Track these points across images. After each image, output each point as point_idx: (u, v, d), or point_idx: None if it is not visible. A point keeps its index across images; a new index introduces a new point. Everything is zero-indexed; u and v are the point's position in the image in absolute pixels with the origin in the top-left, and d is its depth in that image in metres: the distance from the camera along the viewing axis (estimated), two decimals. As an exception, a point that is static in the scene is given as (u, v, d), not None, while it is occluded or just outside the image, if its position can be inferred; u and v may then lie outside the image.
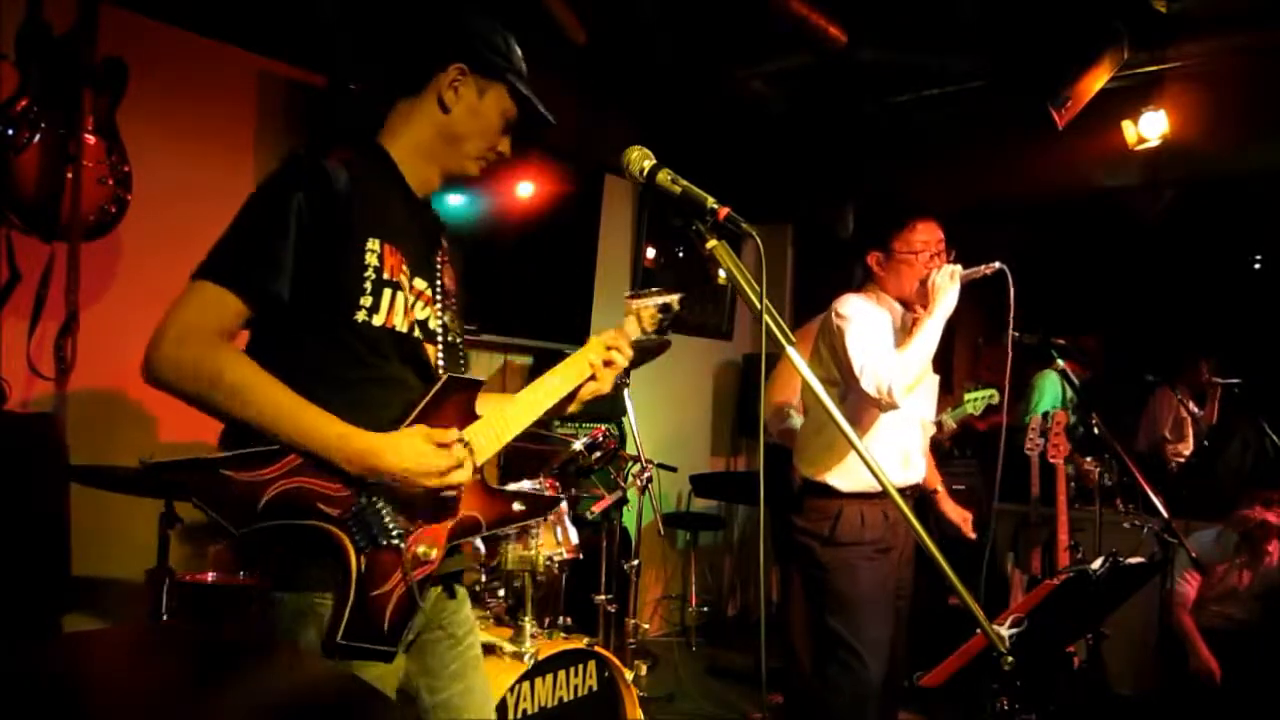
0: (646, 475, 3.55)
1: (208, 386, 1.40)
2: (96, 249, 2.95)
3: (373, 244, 1.52)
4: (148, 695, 1.19)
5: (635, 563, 3.91)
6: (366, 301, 1.50)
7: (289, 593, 1.48)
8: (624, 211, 5.36)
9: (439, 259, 1.70)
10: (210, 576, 2.96)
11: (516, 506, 1.71)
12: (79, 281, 2.85)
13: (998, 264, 2.56)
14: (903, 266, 2.70)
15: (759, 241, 1.50)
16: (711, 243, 1.61)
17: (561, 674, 2.83)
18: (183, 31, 3.32)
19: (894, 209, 2.80)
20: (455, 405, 1.60)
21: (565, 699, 2.84)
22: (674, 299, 1.96)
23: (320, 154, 1.55)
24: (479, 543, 2.94)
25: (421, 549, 1.52)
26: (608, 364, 1.83)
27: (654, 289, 1.98)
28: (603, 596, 3.63)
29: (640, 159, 1.67)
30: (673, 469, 4.41)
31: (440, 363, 1.65)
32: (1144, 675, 4.17)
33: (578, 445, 3.15)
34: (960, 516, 3.07)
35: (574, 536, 3.01)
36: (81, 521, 2.88)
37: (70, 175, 2.76)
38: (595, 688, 2.93)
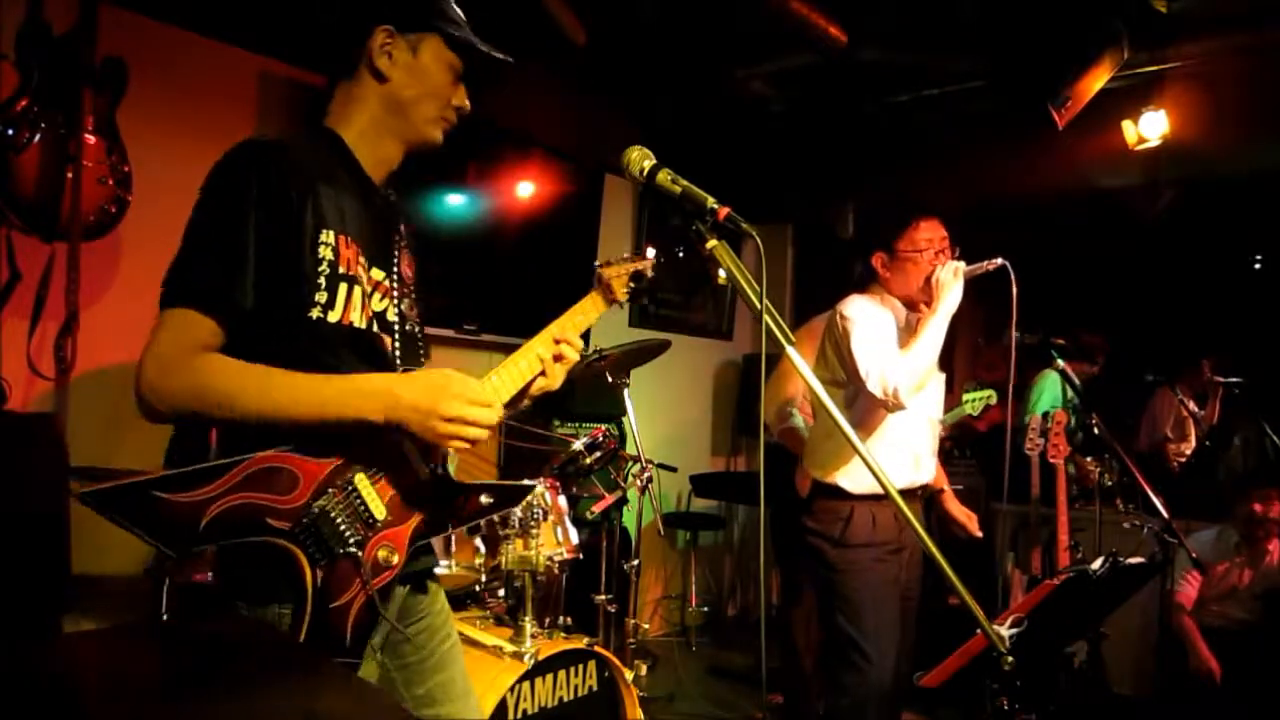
0: (646, 475, 3.55)
1: (201, 405, 1.35)
2: (96, 249, 2.95)
3: (327, 236, 1.43)
4: (148, 695, 1.19)
5: (635, 563, 3.91)
6: (321, 298, 1.42)
7: (249, 605, 1.42)
8: (624, 211, 5.36)
9: (396, 245, 1.62)
10: (210, 576, 2.96)
11: (484, 499, 1.61)
12: (79, 281, 2.85)
13: (1000, 260, 2.56)
14: (907, 265, 2.69)
15: (759, 241, 1.50)
16: (711, 243, 1.61)
17: (561, 674, 2.83)
18: (183, 31, 3.32)
19: (896, 208, 2.79)
20: None
21: (565, 699, 2.84)
22: (646, 264, 1.91)
23: (259, 146, 1.47)
24: (479, 543, 2.94)
25: (382, 554, 1.46)
26: (557, 359, 1.71)
27: (625, 255, 1.94)
28: (603, 596, 3.63)
29: (640, 159, 1.67)
30: (673, 469, 4.41)
31: (397, 353, 1.58)
32: (1144, 675, 4.17)
33: (578, 445, 3.15)
34: (965, 516, 3.07)
35: (574, 536, 3.01)
36: (81, 521, 2.88)
37: (70, 175, 2.76)
38: (595, 688, 2.93)
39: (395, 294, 1.59)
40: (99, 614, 3.08)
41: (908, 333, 2.70)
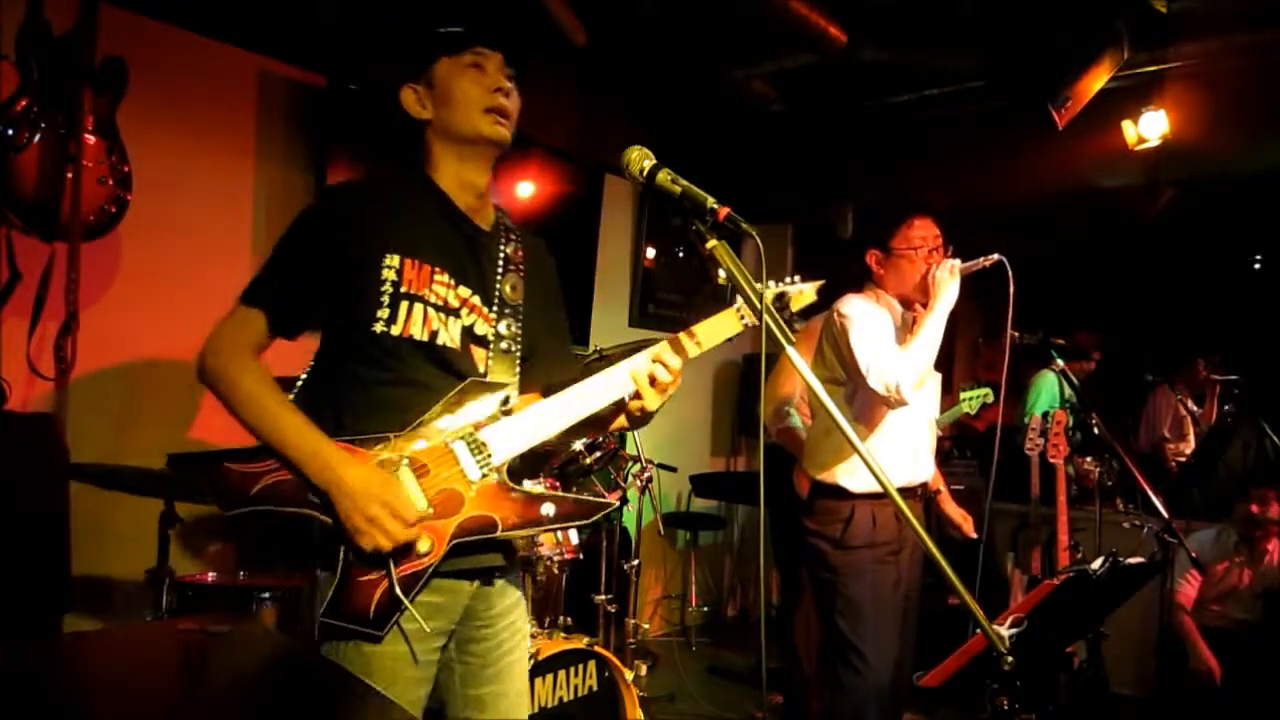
0: (646, 475, 3.55)
1: (222, 385, 1.59)
2: (96, 249, 2.95)
3: (391, 259, 1.60)
4: (148, 695, 1.19)
5: (635, 563, 3.91)
6: (384, 314, 1.59)
7: (324, 571, 1.58)
8: (624, 211, 5.36)
9: (498, 268, 1.74)
10: (210, 576, 2.96)
11: (545, 510, 1.65)
12: (79, 281, 2.85)
13: (996, 256, 2.57)
14: (902, 263, 2.70)
15: (759, 241, 1.50)
16: (711, 243, 1.61)
17: (561, 674, 2.83)
18: (183, 31, 3.32)
19: (890, 207, 2.79)
20: (477, 406, 1.64)
21: (565, 699, 2.84)
22: (800, 289, 1.80)
23: (340, 185, 1.77)
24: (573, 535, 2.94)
25: (418, 544, 1.54)
26: (653, 381, 1.68)
27: (787, 279, 1.82)
28: (603, 596, 3.63)
29: (640, 159, 1.67)
30: (673, 469, 4.42)
31: (488, 366, 1.69)
32: (1144, 675, 4.18)
33: (578, 445, 3.15)
34: (961, 516, 3.07)
35: (574, 536, 3.01)
36: (81, 521, 2.88)
37: (70, 175, 2.76)
38: (595, 688, 2.93)
39: (491, 312, 1.71)
40: (99, 614, 3.09)
41: (904, 331, 2.70)
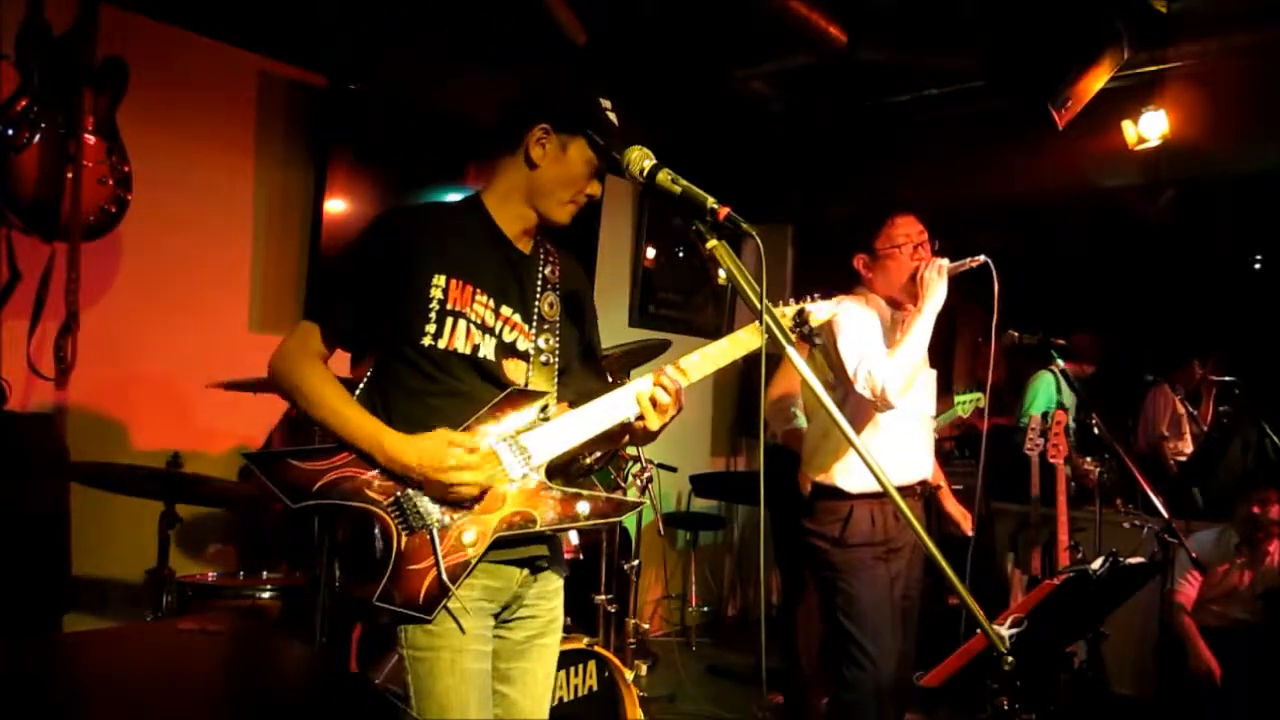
0: (646, 475, 3.55)
1: (293, 392, 1.76)
2: (96, 249, 2.96)
3: (438, 279, 1.75)
4: (148, 695, 1.19)
5: (635, 563, 3.91)
6: (430, 328, 1.74)
7: (378, 560, 1.69)
8: (624, 211, 5.36)
9: (538, 288, 1.90)
10: (210, 576, 2.96)
11: (580, 508, 1.79)
12: (79, 281, 2.85)
13: (983, 257, 2.58)
14: (888, 263, 2.72)
15: (759, 241, 1.50)
16: (711, 243, 1.61)
17: (561, 674, 2.83)
18: (183, 31, 3.33)
19: (871, 209, 2.81)
20: (518, 413, 1.79)
21: (565, 699, 2.84)
22: (815, 309, 1.96)
23: (396, 209, 1.89)
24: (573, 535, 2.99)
25: (464, 536, 1.68)
26: (654, 403, 1.80)
27: (807, 296, 1.98)
28: (603, 596, 3.63)
29: (640, 159, 1.68)
30: (673, 469, 4.41)
31: (529, 378, 1.85)
32: (1144, 675, 4.18)
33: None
34: (961, 514, 3.08)
35: (574, 536, 3.01)
36: (81, 521, 2.89)
37: (70, 175, 2.76)
38: (595, 688, 2.93)
39: (532, 329, 1.86)
40: (99, 614, 3.09)
41: (893, 331, 2.72)
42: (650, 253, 5.51)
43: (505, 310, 1.83)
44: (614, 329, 5.17)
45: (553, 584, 1.92)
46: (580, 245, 4.88)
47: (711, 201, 1.59)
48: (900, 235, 2.71)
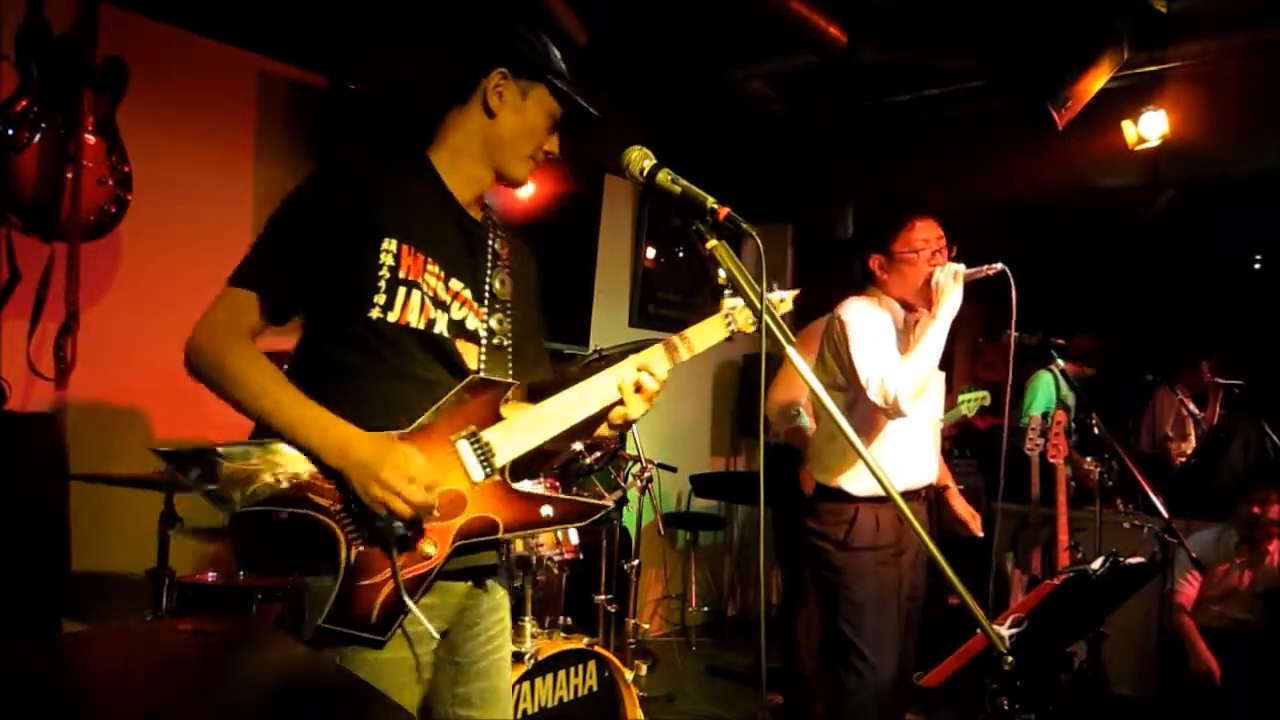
0: (646, 475, 3.55)
1: (219, 375, 1.52)
2: (96, 249, 2.95)
3: (389, 244, 1.56)
4: (148, 695, 1.19)
5: (635, 563, 3.91)
6: (380, 299, 1.55)
7: (301, 572, 1.55)
8: (624, 211, 5.36)
9: (488, 262, 1.73)
10: (210, 576, 2.96)
11: (545, 511, 1.65)
12: (79, 281, 2.85)
13: (1000, 265, 2.54)
14: (905, 267, 2.66)
15: (759, 241, 1.50)
16: (711, 243, 1.61)
17: (561, 674, 2.83)
18: (183, 31, 3.32)
19: (892, 209, 2.77)
20: (479, 405, 1.61)
21: (565, 699, 2.84)
22: (783, 297, 1.85)
23: (339, 160, 1.65)
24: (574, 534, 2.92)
25: (423, 545, 1.52)
26: (638, 389, 1.68)
27: (771, 287, 1.82)
28: (603, 596, 3.63)
29: (640, 159, 1.67)
30: (673, 469, 4.41)
31: (481, 363, 1.68)
32: (1144, 675, 4.17)
33: (577, 445, 3.15)
34: (968, 514, 3.07)
35: (574, 536, 3.01)
36: (81, 521, 2.89)
37: (70, 175, 2.76)
38: (595, 688, 2.93)
39: (484, 307, 1.69)
40: (99, 614, 3.09)
41: (906, 334, 2.69)
42: (650, 253, 5.51)
43: (455, 284, 1.65)
44: (614, 329, 5.17)
45: (497, 595, 1.76)
46: (580, 245, 4.91)
47: (711, 201, 1.58)
48: (919, 240, 2.65)
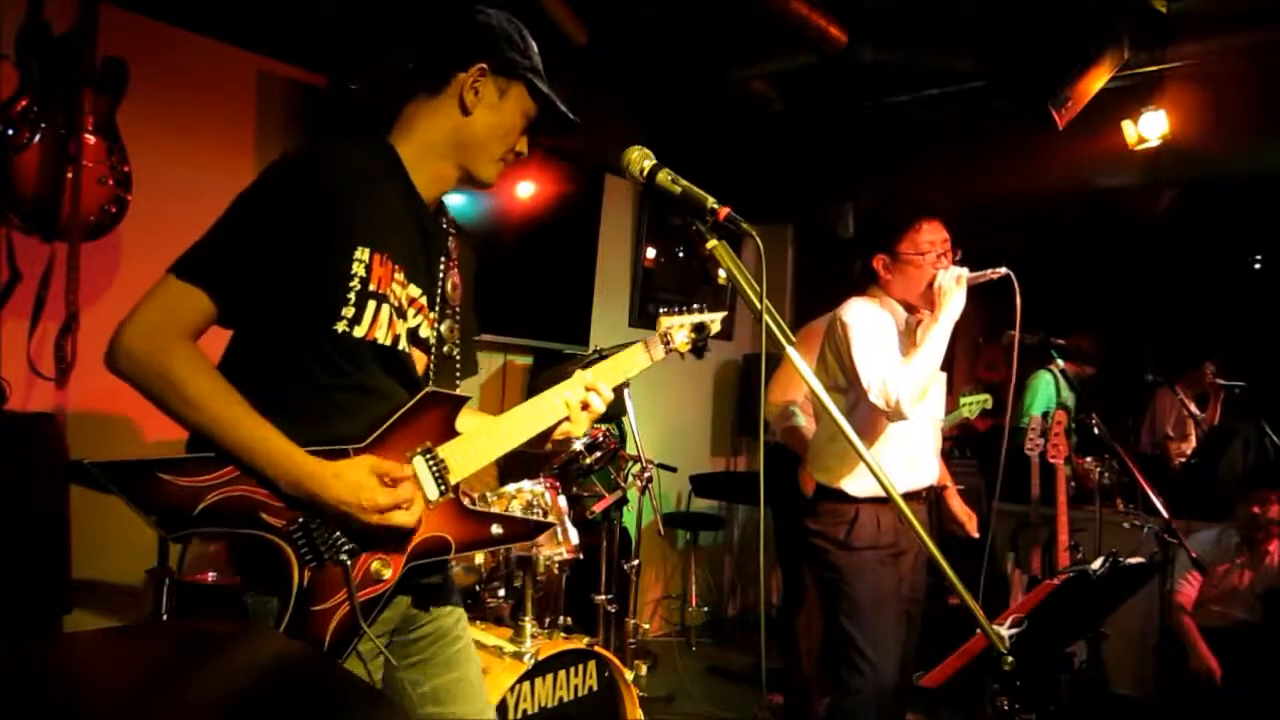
0: (646, 475, 3.55)
1: (158, 381, 1.38)
2: (96, 249, 2.95)
3: (361, 253, 1.47)
4: (148, 695, 1.19)
5: (635, 563, 3.91)
6: (348, 312, 1.46)
7: (254, 595, 1.47)
8: (624, 211, 5.36)
9: (441, 265, 1.65)
10: (210, 576, 2.96)
11: (494, 530, 1.63)
12: (79, 281, 2.85)
13: (1004, 269, 2.53)
14: (909, 269, 2.65)
15: (759, 241, 1.50)
16: (711, 243, 1.61)
17: (561, 674, 2.83)
18: (183, 31, 3.32)
19: (897, 209, 2.76)
20: (433, 420, 1.56)
21: (565, 699, 2.84)
22: (713, 319, 1.91)
23: (313, 153, 1.51)
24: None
25: (375, 566, 1.47)
26: (584, 407, 1.70)
27: (694, 306, 1.92)
28: (603, 596, 3.63)
29: (640, 159, 1.67)
30: (673, 469, 4.41)
31: (431, 372, 1.62)
32: (1144, 675, 4.18)
33: (578, 445, 3.15)
34: (965, 514, 3.07)
35: (574, 536, 3.01)
36: (81, 521, 2.88)
37: (70, 175, 2.76)
38: (595, 688, 2.93)
39: (434, 313, 1.62)
40: (99, 614, 3.08)
41: (908, 335, 2.69)
42: (650, 253, 5.51)
43: (414, 290, 1.57)
44: (614, 329, 5.17)
45: (445, 608, 1.72)
46: (580, 245, 4.91)
47: (711, 201, 1.58)
48: (925, 242, 2.63)
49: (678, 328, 1.87)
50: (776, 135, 5.25)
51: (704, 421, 6.14)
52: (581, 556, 3.02)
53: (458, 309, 1.68)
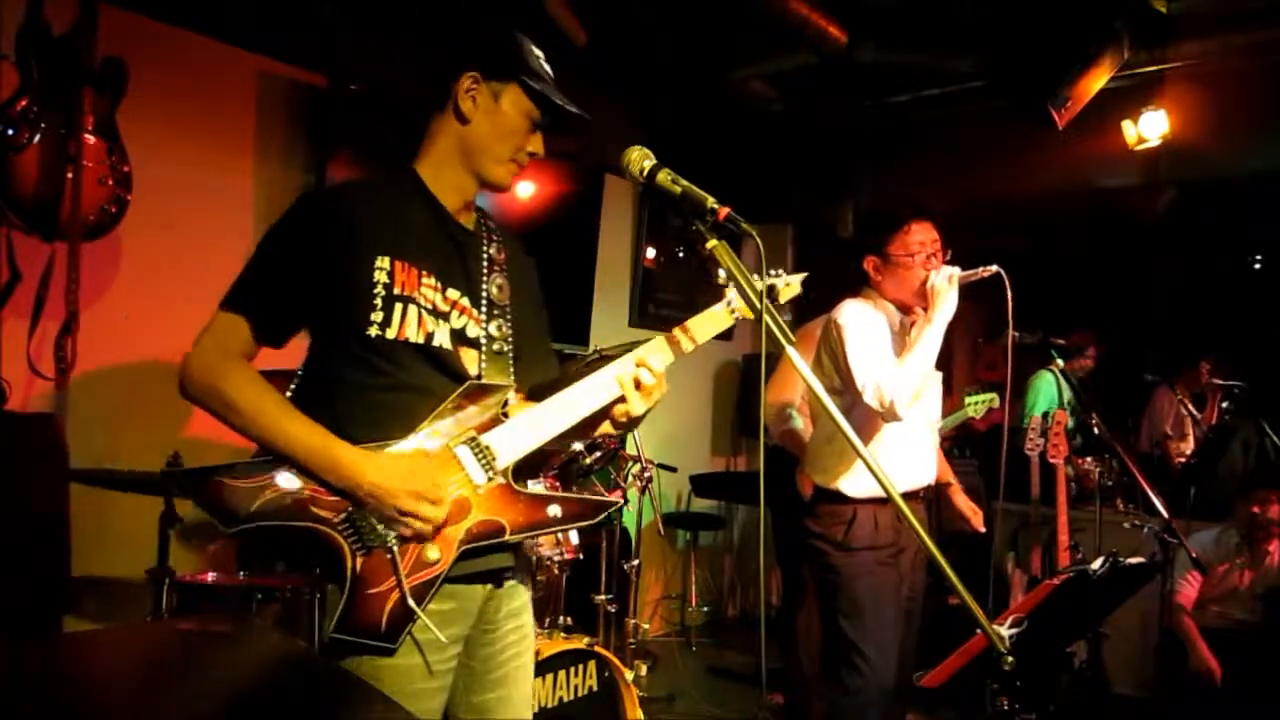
0: (646, 475, 3.55)
1: (215, 401, 1.55)
2: (96, 249, 2.95)
3: (382, 262, 1.58)
4: (148, 695, 1.19)
5: (635, 563, 3.91)
6: (377, 317, 1.57)
7: (312, 582, 1.62)
8: (624, 211, 5.36)
9: (484, 268, 1.73)
10: (210, 576, 2.95)
11: (552, 511, 1.65)
12: (79, 281, 2.85)
13: (995, 267, 2.53)
14: (900, 270, 2.65)
15: (759, 241, 1.50)
16: (711, 243, 1.61)
17: (561, 674, 2.83)
18: (183, 31, 3.32)
19: (888, 211, 2.76)
20: (478, 410, 1.63)
21: (565, 699, 2.84)
22: (791, 280, 1.81)
23: (333, 187, 1.74)
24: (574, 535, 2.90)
25: (425, 551, 1.53)
26: (638, 384, 1.66)
27: (772, 271, 1.79)
28: (603, 596, 3.63)
29: (640, 159, 1.67)
30: (673, 469, 4.41)
31: (482, 368, 1.68)
32: (1144, 675, 4.17)
33: (577, 445, 3.15)
34: (970, 509, 3.07)
35: (574, 536, 3.01)
36: (81, 521, 2.88)
37: (70, 175, 2.76)
38: (595, 688, 2.93)
39: (480, 313, 1.70)
40: (99, 614, 3.09)
41: (901, 335, 2.69)
42: (650, 253, 5.51)
43: (452, 293, 1.66)
44: (614, 329, 5.17)
45: (518, 599, 1.76)
46: (580, 245, 4.91)
47: (711, 201, 1.59)
48: (915, 243, 2.63)
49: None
50: (776, 135, 5.25)
51: (704, 421, 6.14)
52: (581, 556, 3.03)
53: (507, 309, 1.74)
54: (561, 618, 3.21)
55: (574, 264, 4.89)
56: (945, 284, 2.52)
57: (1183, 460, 5.40)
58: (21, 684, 1.11)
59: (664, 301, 5.63)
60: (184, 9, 3.29)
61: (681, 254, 5.71)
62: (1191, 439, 5.56)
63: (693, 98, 4.88)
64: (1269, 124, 4.36)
